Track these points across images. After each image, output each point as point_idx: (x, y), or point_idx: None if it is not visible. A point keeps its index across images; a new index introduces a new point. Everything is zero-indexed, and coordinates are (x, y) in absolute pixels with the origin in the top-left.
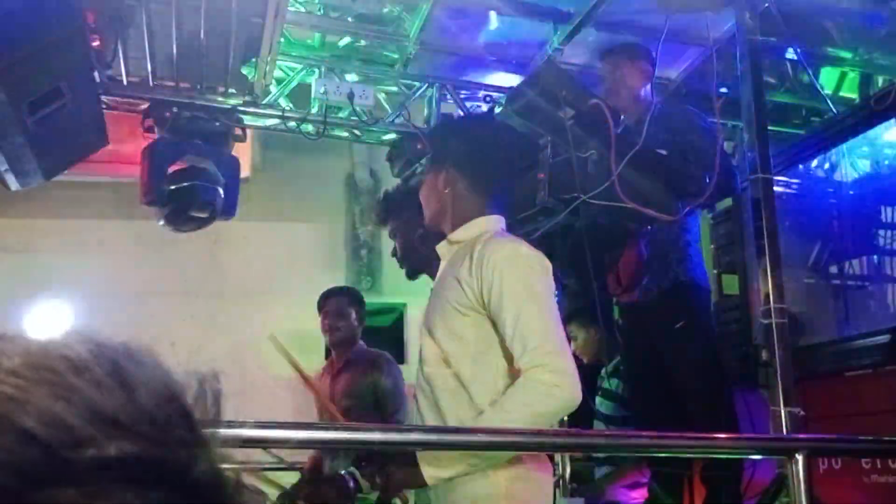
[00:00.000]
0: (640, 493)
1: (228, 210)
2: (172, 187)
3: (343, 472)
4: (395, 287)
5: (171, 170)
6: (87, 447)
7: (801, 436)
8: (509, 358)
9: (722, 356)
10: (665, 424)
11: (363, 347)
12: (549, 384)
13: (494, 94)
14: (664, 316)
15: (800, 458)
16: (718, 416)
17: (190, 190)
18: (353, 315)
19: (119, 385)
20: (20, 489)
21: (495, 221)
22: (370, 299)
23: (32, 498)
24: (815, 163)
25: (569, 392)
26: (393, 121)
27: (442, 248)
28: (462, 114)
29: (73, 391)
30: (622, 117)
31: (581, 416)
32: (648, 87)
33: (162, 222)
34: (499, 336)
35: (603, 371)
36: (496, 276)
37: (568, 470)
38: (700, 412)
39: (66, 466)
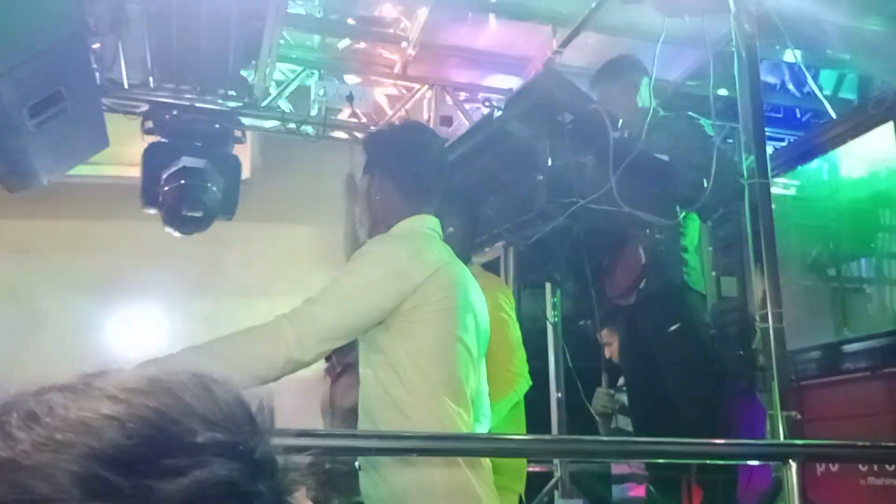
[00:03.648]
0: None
1: (228, 209)
2: (165, 188)
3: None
4: None
5: (166, 173)
6: (192, 436)
7: (796, 441)
8: (414, 355)
9: (720, 359)
10: (660, 427)
11: None
12: (279, 330)
13: (493, 96)
14: (658, 319)
15: (794, 463)
16: (713, 419)
17: (181, 189)
18: None
19: (209, 398)
20: (153, 458)
21: (419, 220)
22: None
23: (161, 465)
24: (813, 165)
25: (296, 352)
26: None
27: None
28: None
29: (182, 401)
30: (620, 122)
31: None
32: (638, 96)
33: (167, 228)
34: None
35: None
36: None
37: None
38: (694, 415)
39: (180, 445)
